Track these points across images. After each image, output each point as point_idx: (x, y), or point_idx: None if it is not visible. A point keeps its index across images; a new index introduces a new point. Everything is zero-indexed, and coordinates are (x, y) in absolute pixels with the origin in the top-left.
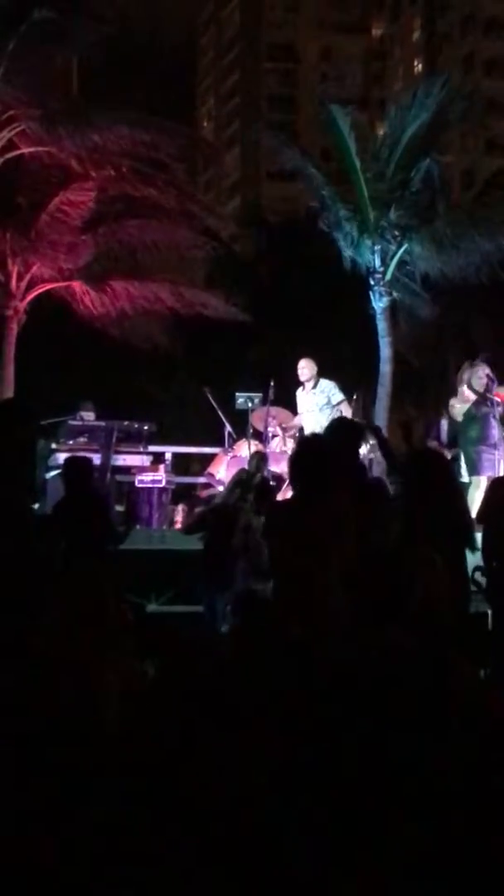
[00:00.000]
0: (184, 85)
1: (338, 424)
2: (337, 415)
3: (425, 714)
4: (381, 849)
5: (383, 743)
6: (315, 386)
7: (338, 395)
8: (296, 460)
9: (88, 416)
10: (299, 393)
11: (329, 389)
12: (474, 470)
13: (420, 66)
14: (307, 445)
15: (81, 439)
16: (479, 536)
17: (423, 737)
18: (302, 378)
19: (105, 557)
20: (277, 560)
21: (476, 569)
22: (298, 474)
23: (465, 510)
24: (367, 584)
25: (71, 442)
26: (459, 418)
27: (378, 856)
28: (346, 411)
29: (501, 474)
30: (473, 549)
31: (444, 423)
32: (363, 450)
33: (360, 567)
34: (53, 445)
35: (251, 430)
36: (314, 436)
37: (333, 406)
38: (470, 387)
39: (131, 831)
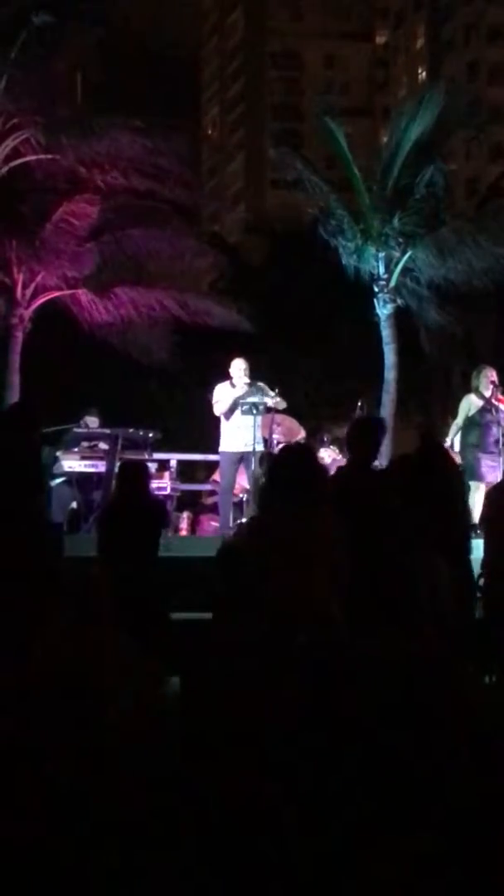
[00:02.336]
0: (188, 93)
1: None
2: (256, 420)
3: (430, 719)
4: (387, 855)
5: (389, 748)
6: (252, 386)
7: (265, 401)
8: (278, 469)
9: (93, 423)
10: (227, 388)
11: (264, 392)
12: (474, 475)
13: (424, 73)
14: (290, 455)
15: (86, 447)
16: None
17: (429, 741)
18: (244, 377)
19: (153, 563)
20: (262, 574)
21: (480, 575)
22: (280, 484)
23: (467, 513)
24: (369, 589)
25: (76, 449)
26: (461, 420)
27: (383, 861)
28: (266, 419)
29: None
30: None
31: (454, 428)
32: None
33: (361, 571)
34: (58, 453)
35: (259, 437)
36: (298, 445)
37: (260, 411)
38: (477, 392)
39: (136, 832)
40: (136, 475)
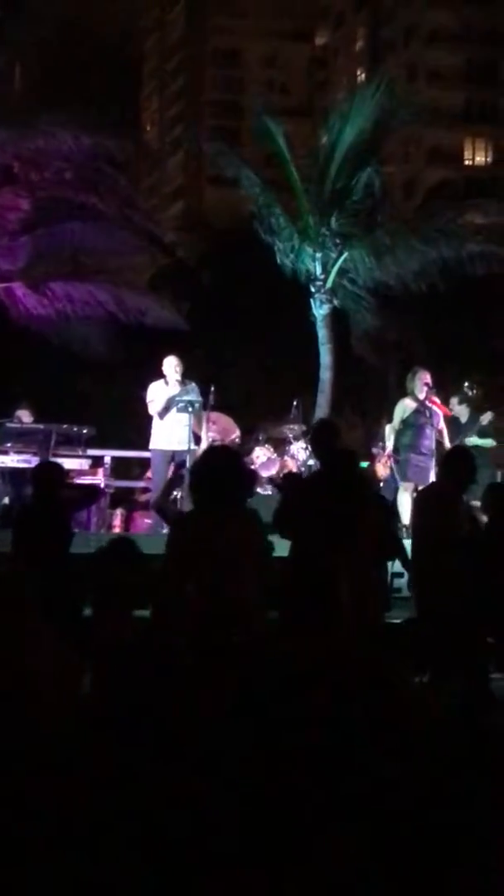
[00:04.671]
0: (128, 89)
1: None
2: (191, 419)
3: (360, 717)
4: (322, 852)
5: (323, 745)
6: (184, 385)
7: (200, 399)
8: (202, 470)
9: (25, 418)
10: (162, 387)
11: (196, 391)
12: (403, 475)
13: (363, 75)
14: (214, 456)
15: (19, 443)
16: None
17: (362, 738)
18: (177, 374)
19: (68, 561)
20: (186, 574)
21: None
22: (204, 485)
23: (387, 519)
24: (296, 591)
25: (8, 445)
26: (396, 424)
27: (318, 859)
28: (201, 418)
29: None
30: (394, 557)
31: (388, 429)
32: (304, 455)
33: (289, 574)
34: None
35: (191, 435)
36: (221, 447)
37: (195, 409)
38: (411, 395)
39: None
40: (49, 477)
